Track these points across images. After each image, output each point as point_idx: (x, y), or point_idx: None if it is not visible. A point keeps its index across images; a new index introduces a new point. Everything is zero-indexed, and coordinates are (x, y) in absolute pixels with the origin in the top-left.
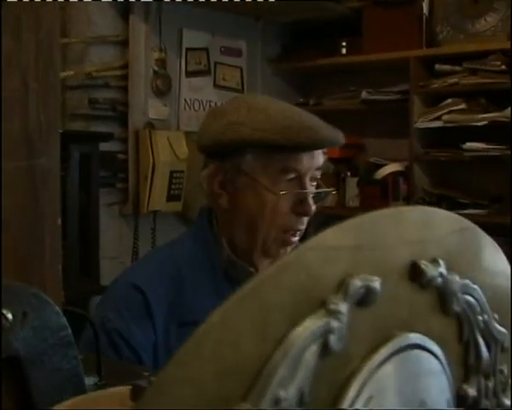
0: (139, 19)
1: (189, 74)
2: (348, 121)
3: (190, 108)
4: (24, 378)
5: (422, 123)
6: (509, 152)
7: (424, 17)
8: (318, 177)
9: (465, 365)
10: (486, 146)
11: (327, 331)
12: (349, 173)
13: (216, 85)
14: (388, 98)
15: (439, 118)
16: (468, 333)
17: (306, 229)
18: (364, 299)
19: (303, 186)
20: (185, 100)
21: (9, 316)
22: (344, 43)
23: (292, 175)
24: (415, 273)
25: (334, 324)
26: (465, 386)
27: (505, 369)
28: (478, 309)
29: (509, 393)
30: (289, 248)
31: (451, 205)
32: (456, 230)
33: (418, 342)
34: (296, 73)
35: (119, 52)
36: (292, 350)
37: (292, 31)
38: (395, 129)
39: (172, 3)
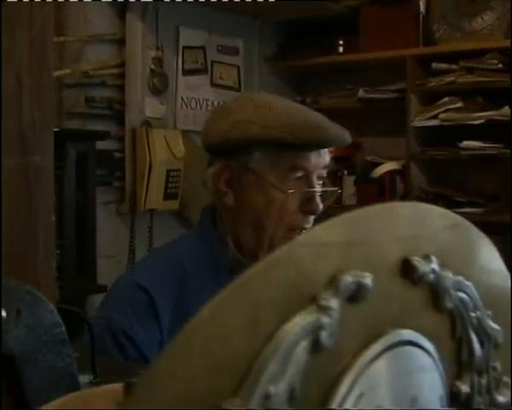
0: (136, 17)
1: (186, 73)
2: (345, 120)
3: (187, 107)
4: (18, 376)
5: (419, 121)
6: (505, 151)
7: (421, 15)
8: (324, 175)
9: (458, 361)
10: (483, 145)
11: (317, 327)
12: (346, 172)
13: (213, 84)
14: (385, 97)
15: (435, 116)
16: (460, 330)
17: None
18: (356, 295)
19: (310, 185)
20: (182, 98)
21: (3, 314)
22: (341, 42)
23: (300, 173)
24: (407, 269)
25: (325, 320)
26: (458, 383)
27: (498, 366)
28: (471, 306)
29: (502, 390)
30: None
31: (448, 203)
32: (448, 226)
33: (410, 338)
34: (293, 71)
35: (115, 50)
36: (282, 346)
37: (289, 29)
38: (392, 127)
39: (170, 3)
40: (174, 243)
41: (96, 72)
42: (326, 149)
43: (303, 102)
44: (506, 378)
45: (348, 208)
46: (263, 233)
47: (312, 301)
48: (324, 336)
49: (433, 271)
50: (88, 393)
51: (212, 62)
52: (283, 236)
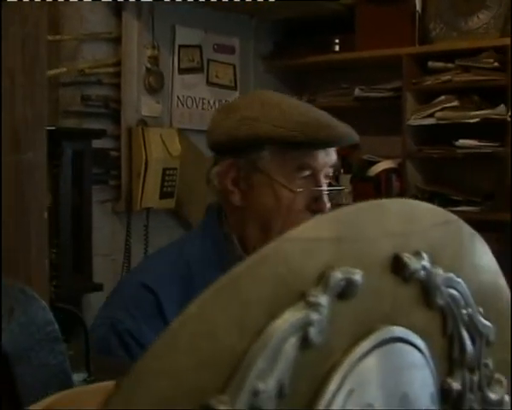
0: (132, 16)
1: (182, 71)
2: (341, 118)
3: (183, 106)
4: (10, 374)
5: (415, 120)
6: (501, 149)
7: (417, 14)
8: (331, 174)
9: (449, 358)
10: (479, 143)
11: (307, 324)
12: (342, 170)
13: (209, 83)
14: (381, 95)
15: (431, 115)
16: (452, 327)
17: None
18: (345, 292)
19: (318, 183)
20: (178, 97)
21: None
22: (337, 41)
23: (307, 172)
24: (397, 266)
25: (314, 316)
26: (449, 380)
27: (490, 363)
28: (462, 303)
29: (494, 387)
30: None
31: (444, 202)
32: (439, 223)
33: (401, 335)
34: (289, 70)
35: (111, 49)
36: (271, 342)
37: (285, 28)
38: (388, 126)
39: (166, 1)
40: (178, 242)
41: (92, 70)
42: (333, 148)
43: None
44: (498, 375)
45: None
46: (270, 232)
47: (301, 297)
48: (313, 332)
49: (424, 267)
50: (80, 390)
51: (208, 61)
52: None
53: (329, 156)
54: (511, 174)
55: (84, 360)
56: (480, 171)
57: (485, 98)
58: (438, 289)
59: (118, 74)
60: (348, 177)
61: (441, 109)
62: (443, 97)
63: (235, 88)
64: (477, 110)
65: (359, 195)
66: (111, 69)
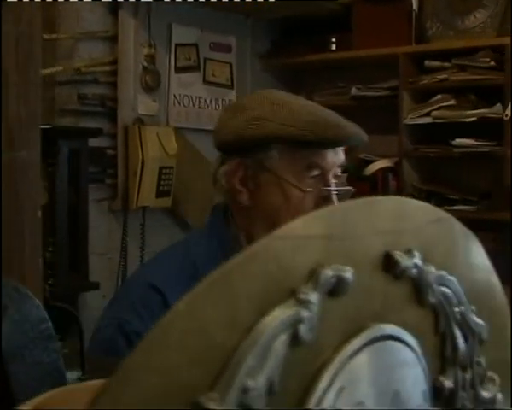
0: (128, 14)
1: (179, 70)
2: None
3: (180, 104)
4: (4, 372)
5: (412, 119)
6: (498, 148)
7: (414, 13)
8: (339, 174)
9: (442, 356)
10: (475, 142)
11: (297, 321)
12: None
13: (205, 81)
14: (378, 94)
15: (428, 114)
16: (444, 325)
17: None
18: (336, 289)
19: (327, 183)
20: (174, 96)
21: None
22: (333, 40)
23: (316, 172)
24: (388, 264)
25: (305, 313)
26: (441, 378)
27: (483, 361)
28: (454, 301)
29: (486, 385)
30: None
31: (441, 201)
32: (431, 220)
33: (392, 333)
34: (286, 69)
35: (108, 48)
36: (261, 340)
37: (281, 27)
38: (384, 125)
39: (162, 1)
40: (184, 242)
41: (88, 69)
42: (341, 148)
43: None
44: (491, 374)
45: None
46: None
47: (292, 294)
48: (304, 330)
49: (416, 265)
50: (73, 388)
51: (205, 60)
52: None
53: (338, 156)
54: (511, 174)
55: (78, 358)
56: (477, 170)
57: (482, 97)
58: (430, 287)
59: (114, 73)
60: (344, 176)
61: (438, 108)
62: (439, 96)
63: (231, 87)
64: (473, 109)
65: (355, 194)
66: (107, 68)
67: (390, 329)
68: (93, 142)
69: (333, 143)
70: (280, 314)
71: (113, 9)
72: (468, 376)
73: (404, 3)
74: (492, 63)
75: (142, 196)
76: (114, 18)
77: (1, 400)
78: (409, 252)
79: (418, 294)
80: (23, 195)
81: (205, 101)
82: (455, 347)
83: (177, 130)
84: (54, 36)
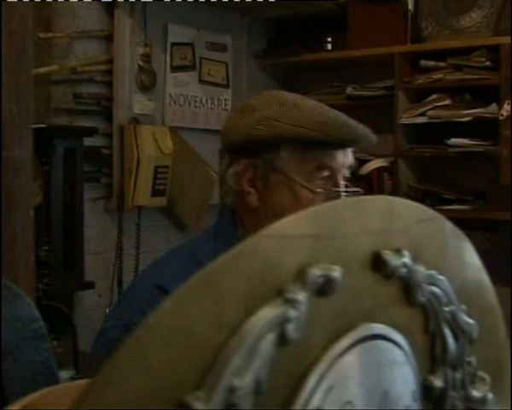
0: (124, 13)
1: (175, 69)
2: None
3: (175, 104)
4: None
5: (407, 119)
6: (493, 148)
7: (409, 13)
8: (348, 175)
9: (431, 356)
10: (471, 142)
11: (284, 320)
12: None
13: (201, 81)
14: (373, 94)
15: (423, 114)
16: (433, 324)
17: None
18: (324, 288)
19: (336, 184)
20: (170, 95)
21: None
22: (329, 39)
23: (326, 173)
24: (377, 263)
25: (292, 313)
26: (431, 377)
27: (473, 360)
28: (444, 300)
29: (477, 385)
30: None
31: (436, 200)
32: (421, 220)
33: (381, 332)
34: (281, 68)
35: (104, 47)
36: (247, 339)
37: (277, 26)
38: (380, 125)
39: (159, 1)
40: (190, 243)
41: (84, 68)
42: (350, 149)
43: None
44: (481, 373)
45: None
46: None
47: (279, 294)
48: (291, 329)
49: (405, 265)
50: (65, 387)
51: (201, 59)
52: None
53: (347, 157)
54: (511, 174)
55: (72, 358)
56: (472, 170)
57: (477, 97)
58: (419, 287)
59: (110, 72)
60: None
61: (433, 108)
62: (435, 96)
63: (227, 86)
64: (469, 109)
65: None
66: (103, 67)
67: (379, 328)
68: (88, 141)
69: (344, 144)
70: (267, 314)
71: (109, 8)
72: (458, 375)
73: (399, 3)
74: (488, 63)
75: (137, 195)
76: (110, 17)
77: None
78: (398, 251)
79: (408, 293)
80: (15, 194)
81: (200, 100)
82: (445, 346)
83: (173, 129)
84: (49, 35)
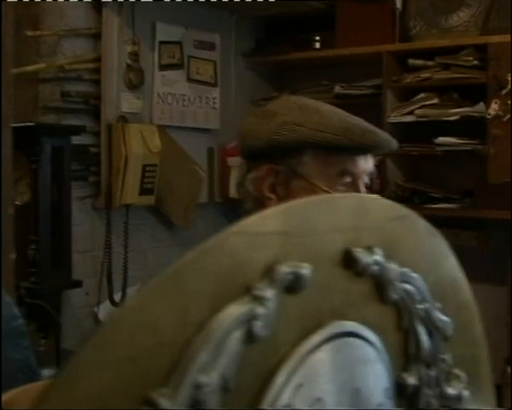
0: (112, 12)
1: (163, 68)
2: None
3: (163, 102)
4: None
5: (395, 117)
6: (480, 147)
7: (397, 12)
8: (368, 182)
9: (405, 353)
10: (458, 141)
11: (251, 317)
12: None
13: (189, 79)
14: (361, 93)
15: (411, 112)
16: (407, 322)
17: None
18: (293, 286)
19: (358, 190)
20: (158, 94)
21: None
22: (317, 38)
23: (348, 179)
24: (348, 261)
25: (260, 310)
26: (405, 375)
27: (448, 358)
28: (418, 297)
29: (452, 382)
30: None
31: (424, 199)
32: (393, 217)
33: (352, 329)
34: (270, 67)
35: (92, 45)
36: (214, 336)
37: (266, 25)
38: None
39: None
40: None
41: (71, 66)
42: (370, 156)
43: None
44: (457, 371)
45: None
46: None
47: (246, 291)
48: (259, 326)
49: (377, 262)
50: (43, 385)
51: (189, 57)
52: None
53: (368, 163)
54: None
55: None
56: (460, 168)
57: (465, 96)
58: (391, 284)
59: (98, 70)
60: None
61: (421, 107)
62: (423, 95)
63: (215, 84)
64: (456, 108)
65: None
66: (91, 65)
67: (350, 325)
68: (76, 139)
69: (367, 149)
70: (234, 311)
71: (97, 7)
72: (432, 373)
73: (387, 2)
74: (475, 62)
75: (125, 193)
76: (98, 15)
77: None
78: (369, 249)
79: (380, 291)
80: None
81: (189, 99)
82: (418, 344)
83: (161, 128)
84: (37, 33)
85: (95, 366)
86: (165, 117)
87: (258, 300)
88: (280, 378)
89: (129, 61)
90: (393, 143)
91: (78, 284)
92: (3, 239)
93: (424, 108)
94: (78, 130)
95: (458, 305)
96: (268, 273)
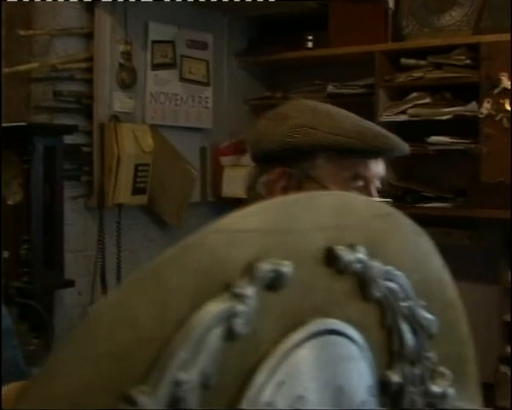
0: (105, 11)
1: (155, 67)
2: None
3: (156, 101)
4: None
5: (388, 117)
6: (473, 146)
7: (390, 11)
8: (379, 187)
9: (389, 351)
10: (451, 140)
11: (231, 315)
12: None
13: (182, 79)
14: (354, 92)
15: (404, 112)
16: (390, 319)
17: None
18: (274, 283)
19: (370, 194)
20: (151, 93)
21: None
22: (310, 38)
23: (360, 183)
24: (330, 259)
25: (240, 307)
26: (388, 372)
27: (433, 356)
28: (401, 295)
29: (437, 380)
30: None
31: (416, 198)
32: (376, 215)
33: (334, 327)
34: (262, 66)
35: (84, 44)
36: (193, 333)
37: (258, 25)
38: None
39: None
40: None
41: (64, 66)
42: (381, 160)
43: (272, 97)
44: (442, 368)
45: None
46: None
47: (226, 288)
48: (239, 323)
49: (360, 260)
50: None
51: (182, 57)
52: None
53: (379, 167)
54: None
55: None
56: (452, 167)
57: (457, 95)
58: (374, 282)
59: (90, 70)
60: None
61: (413, 106)
62: (415, 94)
63: (208, 84)
64: (449, 107)
65: None
66: (83, 65)
67: (333, 323)
68: (69, 139)
69: (380, 153)
70: (214, 308)
71: (90, 6)
72: (416, 371)
73: (380, 2)
74: (468, 61)
75: (118, 193)
76: (91, 15)
77: None
78: (352, 247)
79: (363, 288)
80: None
81: (181, 98)
82: (402, 341)
83: (153, 127)
84: (30, 32)
85: (74, 363)
86: (158, 116)
87: (239, 297)
88: (261, 376)
89: (121, 61)
90: (405, 147)
91: (70, 283)
92: None
93: (417, 107)
94: (70, 129)
95: (444, 303)
96: (248, 271)
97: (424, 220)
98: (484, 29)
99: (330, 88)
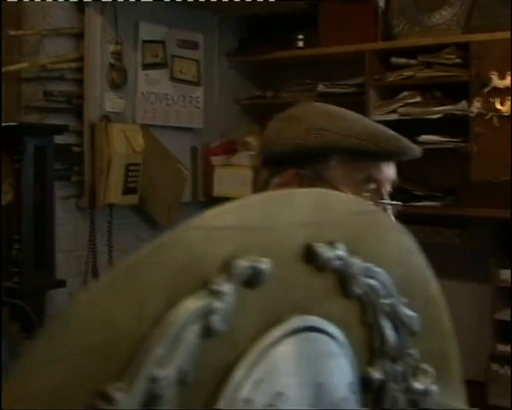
0: (95, 11)
1: (146, 67)
2: None
3: (147, 101)
4: None
5: (378, 116)
6: (463, 145)
7: (380, 10)
8: (390, 190)
9: (370, 348)
10: (441, 139)
11: (208, 312)
12: None
13: (173, 78)
14: (344, 91)
15: (394, 111)
16: (371, 316)
17: None
18: (252, 280)
19: (381, 197)
20: (141, 93)
21: None
22: (301, 37)
23: (372, 185)
24: (310, 256)
25: (217, 304)
26: (370, 369)
27: (415, 353)
28: (382, 292)
29: (419, 377)
30: None
31: (406, 197)
32: (355, 212)
33: (314, 324)
34: (253, 66)
35: (74, 44)
36: (170, 330)
37: (249, 24)
38: None
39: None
40: None
41: (54, 66)
42: (393, 163)
43: (263, 97)
44: (424, 365)
45: None
46: None
47: (204, 285)
48: (216, 320)
49: (339, 257)
50: None
51: (172, 57)
52: None
53: (391, 170)
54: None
55: None
56: (442, 166)
57: (447, 94)
58: (354, 279)
59: (81, 70)
60: None
61: (404, 105)
62: (405, 93)
63: (199, 83)
64: (439, 106)
65: None
66: (74, 65)
67: (312, 320)
68: (59, 139)
69: (393, 155)
70: (191, 305)
71: (80, 6)
72: (398, 368)
73: (370, 1)
74: (458, 60)
75: (108, 193)
76: (81, 15)
77: None
78: (331, 244)
79: (343, 285)
80: None
81: (172, 98)
82: (383, 338)
83: (144, 127)
84: (20, 32)
85: (49, 360)
86: (149, 116)
87: (216, 294)
88: (238, 373)
89: (112, 61)
90: (417, 150)
91: (61, 283)
92: None
93: (407, 106)
94: (60, 129)
95: (426, 300)
96: (226, 268)
97: (414, 219)
98: (474, 28)
99: (321, 87)
